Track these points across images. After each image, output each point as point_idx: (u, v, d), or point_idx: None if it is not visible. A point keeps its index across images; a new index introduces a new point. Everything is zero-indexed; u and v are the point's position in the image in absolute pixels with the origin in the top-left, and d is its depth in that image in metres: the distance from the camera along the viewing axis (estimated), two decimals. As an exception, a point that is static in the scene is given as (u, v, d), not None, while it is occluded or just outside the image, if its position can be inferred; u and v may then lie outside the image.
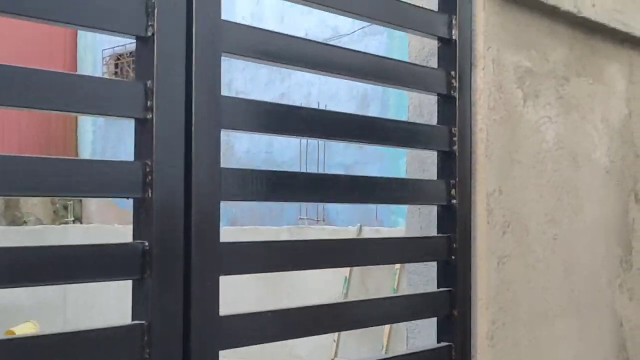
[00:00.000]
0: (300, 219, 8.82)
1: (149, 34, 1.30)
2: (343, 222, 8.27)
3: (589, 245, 2.32)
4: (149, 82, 1.29)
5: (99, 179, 1.24)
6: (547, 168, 2.17)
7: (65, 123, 11.82)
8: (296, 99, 8.58)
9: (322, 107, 8.19)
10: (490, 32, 1.98)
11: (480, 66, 1.96)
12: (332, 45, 1.69)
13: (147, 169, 1.28)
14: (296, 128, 1.57)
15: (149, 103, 1.29)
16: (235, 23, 1.44)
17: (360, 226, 7.20)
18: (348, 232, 7.32)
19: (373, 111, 8.11)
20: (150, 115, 1.29)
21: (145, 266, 1.27)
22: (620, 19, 2.41)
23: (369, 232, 7.22)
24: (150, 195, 1.28)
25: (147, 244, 1.28)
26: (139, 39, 1.31)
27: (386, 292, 6.41)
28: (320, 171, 8.18)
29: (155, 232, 1.28)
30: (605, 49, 2.45)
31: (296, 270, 1.58)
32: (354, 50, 1.73)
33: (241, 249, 1.45)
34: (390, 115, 7.71)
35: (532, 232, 2.08)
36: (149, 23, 1.30)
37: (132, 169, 1.28)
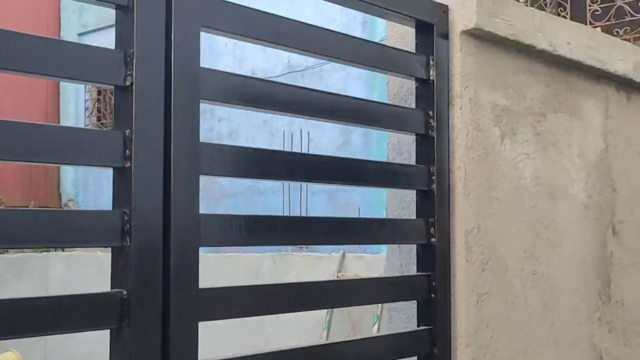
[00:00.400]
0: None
1: (128, 83, 1.31)
2: (327, 248, 8.26)
3: (568, 280, 2.34)
4: (127, 131, 1.30)
5: (78, 228, 1.25)
6: (525, 204, 2.19)
7: (47, 173, 11.65)
8: (279, 126, 8.61)
9: (305, 132, 8.22)
10: (467, 72, 2.01)
11: (458, 106, 1.98)
12: (312, 89, 1.71)
13: (126, 218, 1.29)
14: (277, 172, 1.58)
15: (127, 152, 1.30)
16: (214, 70, 1.45)
17: (344, 253, 7.20)
18: (332, 258, 7.32)
19: (356, 136, 8.14)
20: (129, 164, 1.29)
21: (123, 315, 1.27)
22: (596, 56, 2.45)
23: (352, 259, 7.23)
24: (128, 243, 1.28)
25: (125, 292, 1.28)
26: (117, 88, 1.32)
27: (369, 321, 6.41)
28: (303, 197, 8.18)
29: (133, 281, 1.28)
30: (581, 85, 2.49)
31: (276, 313, 1.59)
32: (334, 93, 1.75)
33: (221, 294, 1.45)
34: (373, 137, 7.74)
35: (511, 269, 2.10)
36: (128, 72, 1.31)
37: (110, 217, 1.29)
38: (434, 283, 1.88)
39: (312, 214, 8.13)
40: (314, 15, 7.60)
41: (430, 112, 1.93)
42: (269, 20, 1.57)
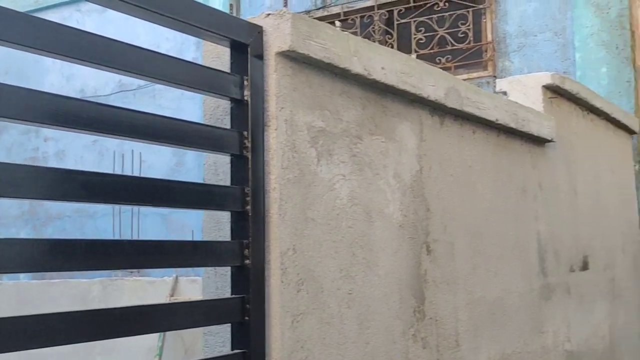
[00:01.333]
0: None
1: None
2: (159, 271, 8.05)
3: (384, 298, 2.40)
4: None
5: None
6: (342, 224, 2.22)
7: None
8: (109, 146, 8.31)
9: (136, 153, 7.99)
10: (282, 93, 2.01)
11: (273, 126, 1.98)
12: (122, 108, 1.64)
13: None
14: (75, 193, 1.49)
15: None
16: (10, 85, 1.36)
17: (177, 277, 7.05)
18: (164, 282, 7.14)
19: (189, 158, 8.02)
20: None
21: None
22: (409, 81, 2.55)
23: (185, 282, 7.09)
24: None
25: None
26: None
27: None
28: (135, 222, 7.94)
29: None
30: (396, 109, 2.58)
31: (82, 342, 1.50)
32: (145, 112, 1.69)
33: (14, 324, 1.35)
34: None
35: (326, 289, 2.11)
36: None
37: None
38: (247, 305, 1.86)
39: (144, 236, 7.91)
40: (147, 34, 7.45)
41: (245, 133, 1.91)
42: (68, 34, 1.49)
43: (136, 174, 7.98)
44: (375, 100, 2.46)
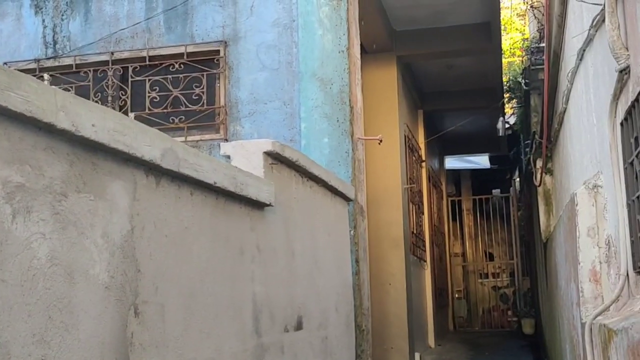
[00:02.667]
0: None
1: None
2: None
3: (84, 363, 2.30)
4: None
5: None
6: (39, 286, 2.11)
7: None
8: None
9: None
10: (-26, 145, 1.89)
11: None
12: None
13: None
14: None
15: None
16: None
17: None
18: None
19: None
20: None
21: None
22: (122, 140, 2.52)
23: None
24: None
25: None
26: None
27: None
28: None
29: None
30: (108, 167, 2.53)
31: None
32: None
33: None
34: None
35: (15, 355, 1.98)
36: None
37: None
38: None
39: None
40: None
41: None
42: None
43: None
44: (85, 157, 2.40)
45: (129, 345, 2.57)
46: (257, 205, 3.93)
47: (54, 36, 7.05)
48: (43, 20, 7.09)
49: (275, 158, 4.27)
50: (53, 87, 2.22)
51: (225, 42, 6.68)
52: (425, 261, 11.30)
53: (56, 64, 6.98)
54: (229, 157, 4.15)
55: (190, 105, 6.63)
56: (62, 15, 7.05)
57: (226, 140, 6.43)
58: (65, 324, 2.21)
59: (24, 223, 2.07)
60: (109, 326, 2.46)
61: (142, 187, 2.77)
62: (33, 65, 7.00)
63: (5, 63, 6.98)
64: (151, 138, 2.74)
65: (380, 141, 6.83)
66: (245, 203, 3.76)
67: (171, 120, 6.62)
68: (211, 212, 3.38)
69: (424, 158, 11.58)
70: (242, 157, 4.10)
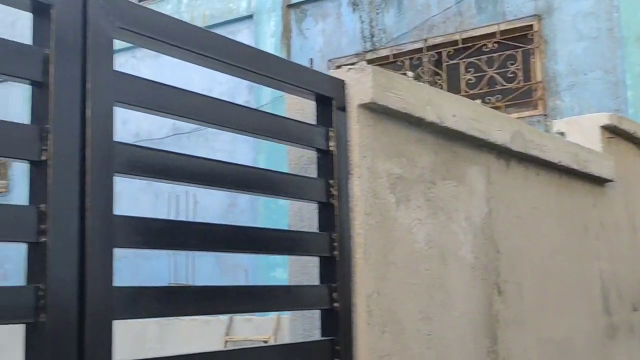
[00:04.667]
0: (170, 284, 8.53)
1: (43, 158, 1.31)
2: (213, 311, 8.12)
3: (459, 339, 2.45)
4: (42, 205, 1.30)
5: (-10, 306, 1.23)
6: (420, 267, 2.30)
7: None
8: (164, 188, 8.50)
9: (191, 195, 8.16)
10: (364, 142, 2.11)
11: (357, 175, 2.08)
12: (214, 160, 1.75)
13: (40, 293, 1.28)
14: (186, 242, 1.60)
15: (42, 226, 1.29)
16: (127, 144, 1.48)
17: (231, 317, 7.13)
18: (219, 322, 7.23)
19: (243, 199, 8.15)
20: (44, 239, 1.29)
21: None
22: (478, 127, 2.63)
23: (240, 322, 7.17)
24: (43, 319, 1.27)
25: (39, 370, 1.26)
26: (32, 163, 1.32)
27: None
28: (190, 262, 8.07)
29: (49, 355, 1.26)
30: (466, 153, 2.66)
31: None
32: (238, 164, 1.80)
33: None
34: (259, 200, 7.76)
35: (408, 330, 2.18)
36: (43, 147, 1.31)
37: (24, 293, 1.27)
38: (337, 347, 1.94)
39: (199, 277, 8.06)
40: (200, 79, 7.66)
41: (331, 181, 2.01)
42: (178, 95, 1.61)
43: (190, 215, 8.15)
44: (447, 146, 2.55)
45: (495, 322, 2.69)
46: (598, 181, 3.83)
47: (370, 30, 7.46)
48: (360, 16, 7.54)
49: (611, 131, 4.12)
50: (420, 83, 2.39)
51: (539, 16, 6.55)
52: None
53: (374, 56, 7.39)
54: (562, 133, 4.09)
55: (506, 84, 6.62)
56: (377, 9, 7.44)
57: (545, 115, 6.32)
58: (442, 301, 2.38)
59: (405, 210, 2.27)
60: (477, 304, 2.59)
61: (495, 170, 2.86)
62: (354, 60, 7.48)
63: (329, 60, 7.56)
64: (501, 122, 2.82)
65: None
66: (587, 180, 3.69)
67: (487, 100, 6.66)
68: (556, 191, 3.37)
69: None
70: (578, 133, 4.02)
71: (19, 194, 9.74)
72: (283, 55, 7.89)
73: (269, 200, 6.68)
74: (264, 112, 1.99)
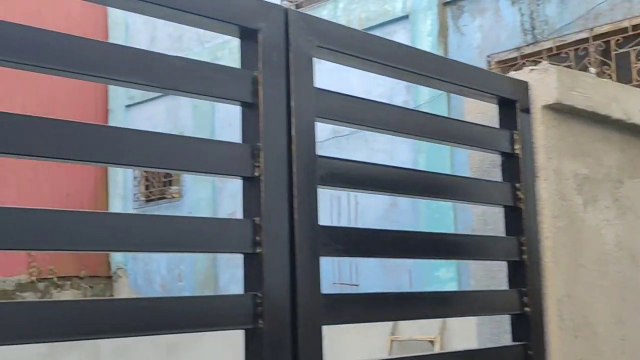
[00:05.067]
0: (334, 284, 8.58)
1: (256, 174, 1.40)
2: (377, 287, 8.16)
3: (654, 343, 2.35)
4: (257, 219, 1.39)
5: (211, 312, 1.33)
6: (610, 269, 2.23)
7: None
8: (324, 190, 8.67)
9: (352, 195, 8.29)
10: (549, 144, 2.08)
11: (543, 177, 2.05)
12: (411, 169, 1.79)
13: (258, 301, 1.37)
14: (383, 250, 1.65)
15: (257, 238, 1.38)
16: (329, 157, 1.55)
17: (397, 316, 7.17)
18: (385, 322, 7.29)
19: (403, 199, 8.17)
20: (259, 250, 1.38)
21: None
22: (667, 121, 2.51)
23: (405, 321, 7.20)
24: (261, 325, 1.36)
25: (259, 372, 1.35)
26: (245, 179, 1.42)
27: None
28: (353, 261, 8.19)
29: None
30: (653, 150, 2.54)
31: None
32: (431, 172, 1.83)
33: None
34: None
35: (600, 335, 2.13)
36: (255, 164, 1.41)
37: (243, 301, 1.37)
38: (529, 352, 1.92)
39: (362, 277, 8.18)
40: (359, 82, 7.77)
41: (518, 185, 2.00)
42: (373, 108, 1.67)
43: (352, 215, 8.28)
44: (633, 142, 2.45)
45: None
46: None
47: (531, 22, 7.26)
48: (520, 9, 7.35)
49: None
50: (604, 80, 2.32)
51: None
52: None
53: (536, 49, 7.18)
54: None
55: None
56: (538, 1, 7.22)
57: None
58: (636, 305, 2.30)
59: (592, 211, 2.21)
60: (671, 307, 2.47)
61: (684, 166, 2.71)
62: (514, 54, 7.31)
63: (488, 56, 7.43)
64: (691, 115, 2.67)
65: None
66: None
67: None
68: None
69: None
70: None
71: (190, 199, 10.27)
72: (440, 53, 7.85)
73: (430, 201, 6.65)
74: (450, 118, 2.02)
